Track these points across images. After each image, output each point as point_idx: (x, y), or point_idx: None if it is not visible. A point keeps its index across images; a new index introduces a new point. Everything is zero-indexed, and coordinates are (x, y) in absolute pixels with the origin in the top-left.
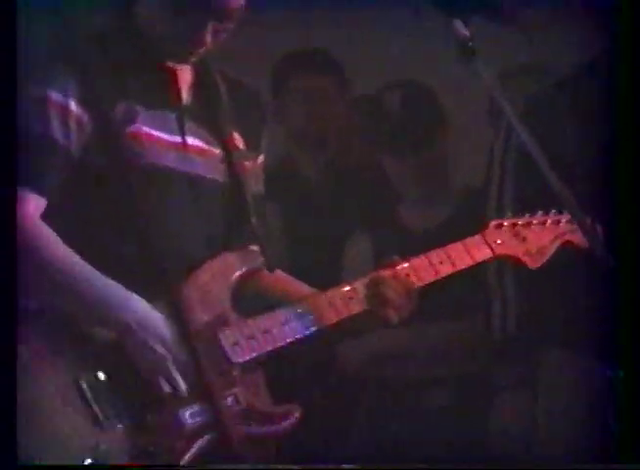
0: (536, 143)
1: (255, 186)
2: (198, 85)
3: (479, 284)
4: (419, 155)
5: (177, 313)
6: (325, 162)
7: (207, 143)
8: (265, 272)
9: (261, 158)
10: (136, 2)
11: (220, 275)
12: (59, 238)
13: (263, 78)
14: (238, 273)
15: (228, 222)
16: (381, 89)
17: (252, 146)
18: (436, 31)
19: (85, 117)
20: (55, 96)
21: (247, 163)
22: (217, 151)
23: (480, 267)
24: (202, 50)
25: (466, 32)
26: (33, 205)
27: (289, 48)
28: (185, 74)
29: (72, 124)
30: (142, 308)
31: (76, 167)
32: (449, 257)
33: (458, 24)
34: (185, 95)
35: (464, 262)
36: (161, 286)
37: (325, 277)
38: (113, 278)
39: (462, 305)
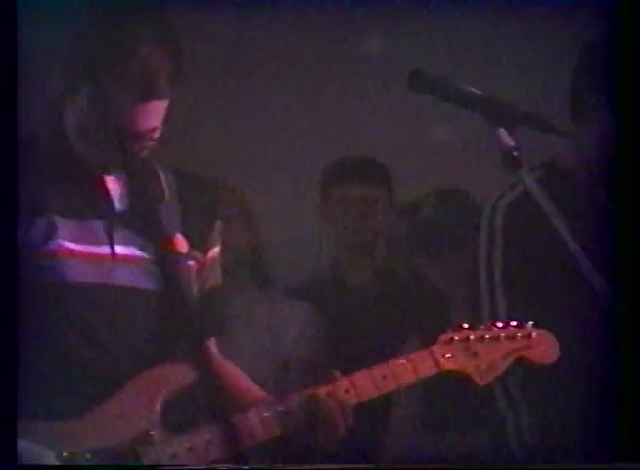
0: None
1: (211, 280)
2: (134, 190)
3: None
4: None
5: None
6: (372, 268)
7: (142, 249)
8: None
9: (215, 250)
10: (63, 114)
11: (148, 390)
12: None
13: (223, 168)
14: (168, 388)
15: (161, 333)
16: (421, 196)
17: (201, 243)
18: (481, 139)
19: None
20: None
21: (190, 263)
22: (152, 256)
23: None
24: (141, 151)
25: (510, 142)
26: None
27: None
28: (117, 182)
29: None
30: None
31: None
32: (392, 372)
33: (502, 134)
34: (117, 203)
35: (407, 378)
36: (83, 403)
37: None
38: (37, 398)
39: (471, 416)
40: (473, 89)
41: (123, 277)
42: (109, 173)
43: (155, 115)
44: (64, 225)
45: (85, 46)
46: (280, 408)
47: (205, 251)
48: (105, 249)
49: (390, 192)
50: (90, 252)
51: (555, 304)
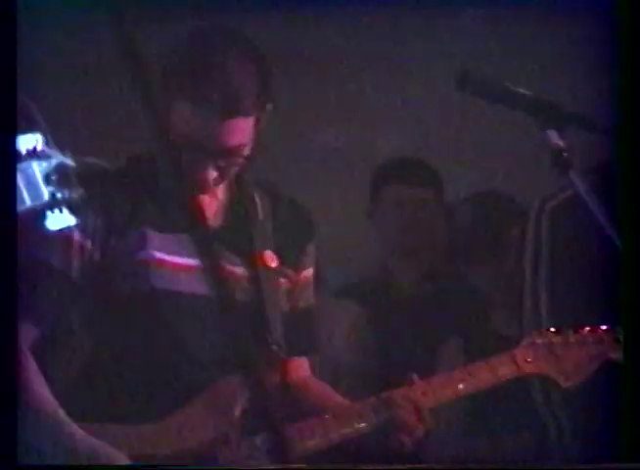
0: None
1: (304, 300)
2: (229, 207)
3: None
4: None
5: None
6: (419, 270)
7: (233, 264)
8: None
9: (309, 271)
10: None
11: (228, 395)
12: (41, 377)
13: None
14: (248, 394)
15: (246, 343)
16: (467, 198)
17: (293, 262)
18: (530, 140)
19: (88, 245)
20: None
21: (281, 279)
22: (243, 270)
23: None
24: (232, 168)
25: (560, 142)
26: (23, 334)
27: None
28: (212, 199)
29: (74, 253)
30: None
31: (76, 295)
32: (471, 374)
33: (552, 135)
34: (211, 219)
35: (486, 381)
36: (168, 408)
37: None
38: (115, 402)
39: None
40: (520, 90)
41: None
42: (204, 190)
43: (241, 132)
44: (156, 237)
45: (175, 63)
46: (356, 412)
47: (298, 270)
48: (195, 261)
49: (439, 194)
50: (180, 263)
51: (600, 308)
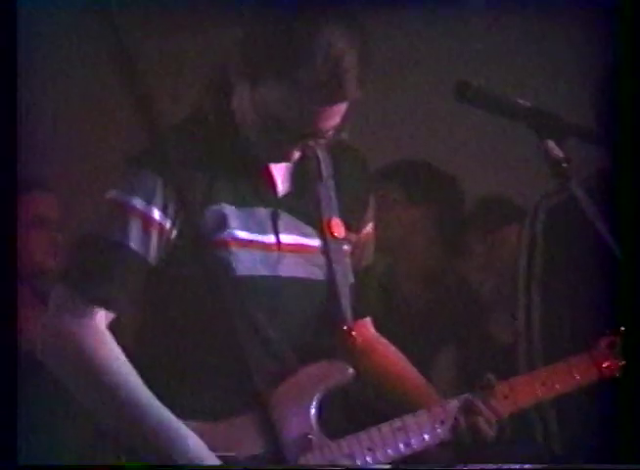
0: None
1: (365, 260)
2: (296, 173)
3: None
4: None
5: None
6: (422, 272)
7: (304, 236)
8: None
9: (370, 227)
10: (231, 99)
11: (304, 390)
12: (122, 355)
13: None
14: (324, 387)
15: (319, 328)
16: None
17: (355, 224)
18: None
19: (168, 225)
20: (137, 203)
21: (345, 247)
22: (315, 243)
23: None
24: (321, 145)
25: (559, 153)
26: (100, 315)
27: None
28: (280, 168)
29: (154, 234)
30: (194, 449)
31: (153, 278)
32: (552, 377)
33: (551, 145)
34: (280, 187)
35: (568, 384)
36: (248, 397)
37: None
38: (194, 389)
39: None
40: (520, 100)
41: (287, 268)
42: (274, 160)
43: (336, 116)
44: (233, 214)
45: (273, 41)
46: (440, 414)
47: (360, 230)
48: (270, 238)
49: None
50: (258, 241)
51: (593, 309)
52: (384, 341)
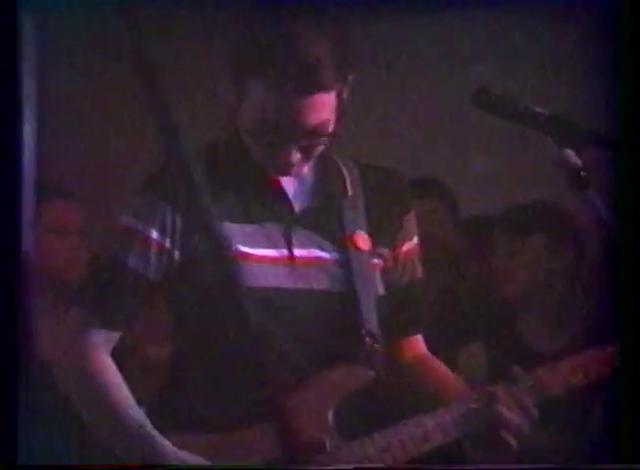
0: None
1: (406, 276)
2: (314, 188)
3: None
4: None
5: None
6: (437, 281)
7: (322, 249)
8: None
9: (411, 244)
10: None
11: (321, 395)
12: (122, 382)
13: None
14: (342, 392)
15: (340, 334)
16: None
17: (388, 240)
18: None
19: (167, 244)
20: (136, 225)
21: (375, 260)
22: (333, 256)
23: None
24: (317, 148)
25: (578, 161)
26: (103, 338)
27: None
28: (294, 182)
29: (154, 253)
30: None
31: (153, 297)
32: (582, 365)
33: (569, 154)
34: (296, 204)
35: (600, 373)
36: (263, 407)
37: None
38: (203, 410)
39: None
40: (538, 109)
41: (302, 280)
42: (285, 174)
43: (323, 108)
44: (239, 230)
45: (249, 43)
46: (461, 408)
47: (396, 246)
48: (283, 252)
49: (452, 208)
50: (267, 256)
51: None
52: (436, 361)
